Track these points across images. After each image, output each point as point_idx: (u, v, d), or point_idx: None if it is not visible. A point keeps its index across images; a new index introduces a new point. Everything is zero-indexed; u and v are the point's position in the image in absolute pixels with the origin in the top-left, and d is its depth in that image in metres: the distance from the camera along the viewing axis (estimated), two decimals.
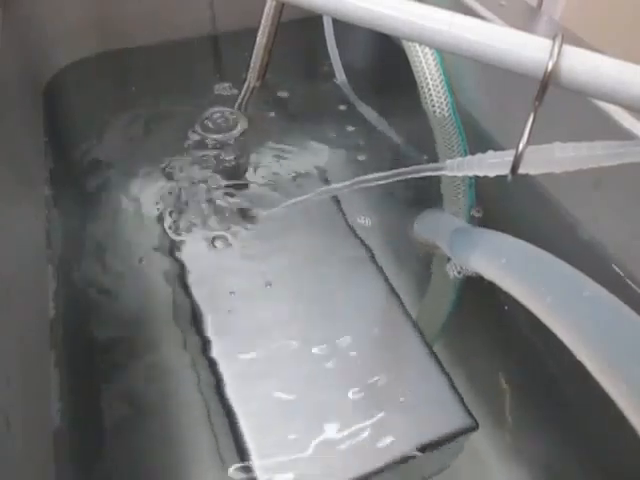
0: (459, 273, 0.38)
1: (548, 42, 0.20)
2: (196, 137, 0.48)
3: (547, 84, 0.20)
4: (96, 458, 0.30)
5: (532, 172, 0.23)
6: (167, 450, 0.30)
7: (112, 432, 0.31)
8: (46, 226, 0.41)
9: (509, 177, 0.22)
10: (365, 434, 0.30)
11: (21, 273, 0.34)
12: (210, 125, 0.49)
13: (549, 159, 0.23)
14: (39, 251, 0.39)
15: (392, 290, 0.36)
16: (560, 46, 0.19)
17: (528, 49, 0.20)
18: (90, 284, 0.38)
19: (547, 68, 0.19)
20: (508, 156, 0.23)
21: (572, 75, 0.20)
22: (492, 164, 0.24)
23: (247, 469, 0.29)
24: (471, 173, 0.25)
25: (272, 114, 0.51)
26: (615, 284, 0.30)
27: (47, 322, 0.35)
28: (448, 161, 0.26)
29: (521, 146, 0.21)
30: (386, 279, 0.37)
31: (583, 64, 0.20)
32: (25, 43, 0.52)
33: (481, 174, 0.25)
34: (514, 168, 0.22)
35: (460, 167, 0.26)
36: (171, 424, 0.31)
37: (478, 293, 0.37)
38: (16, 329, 0.31)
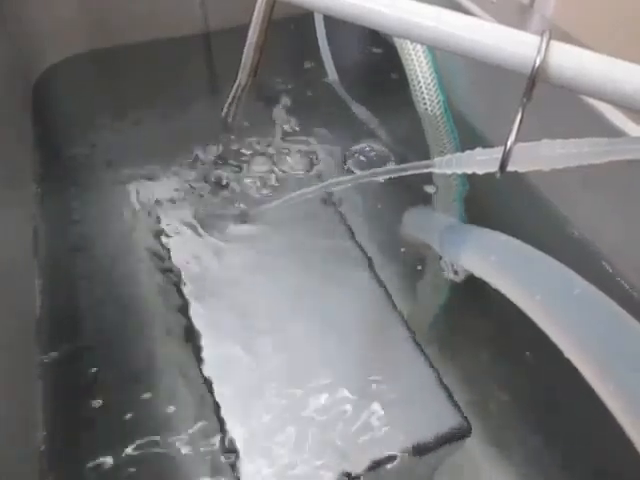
0: (453, 266, 0.38)
1: (536, 38, 0.20)
2: (187, 135, 0.48)
3: (535, 80, 0.19)
4: (85, 462, 0.30)
5: (521, 169, 0.22)
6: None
7: (101, 434, 0.31)
8: (34, 224, 0.41)
9: (498, 174, 0.22)
10: (354, 434, 0.29)
11: (8, 271, 0.34)
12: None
13: (537, 156, 0.22)
14: (26, 249, 0.39)
15: (383, 289, 0.36)
16: (548, 42, 0.19)
17: (516, 45, 0.20)
18: (77, 283, 0.37)
19: (535, 64, 0.19)
20: (496, 153, 0.23)
21: (560, 71, 0.20)
22: (481, 161, 0.24)
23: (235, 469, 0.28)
24: (460, 170, 0.25)
25: (263, 114, 0.51)
26: (605, 281, 0.31)
27: (33, 321, 0.35)
28: (437, 158, 0.26)
29: (509, 143, 0.21)
30: (377, 277, 0.37)
31: (571, 60, 0.20)
32: (15, 40, 0.51)
33: (470, 171, 0.25)
34: (503, 165, 0.22)
35: (449, 164, 0.25)
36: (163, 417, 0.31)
37: (471, 291, 0.37)
38: (2, 328, 0.30)
